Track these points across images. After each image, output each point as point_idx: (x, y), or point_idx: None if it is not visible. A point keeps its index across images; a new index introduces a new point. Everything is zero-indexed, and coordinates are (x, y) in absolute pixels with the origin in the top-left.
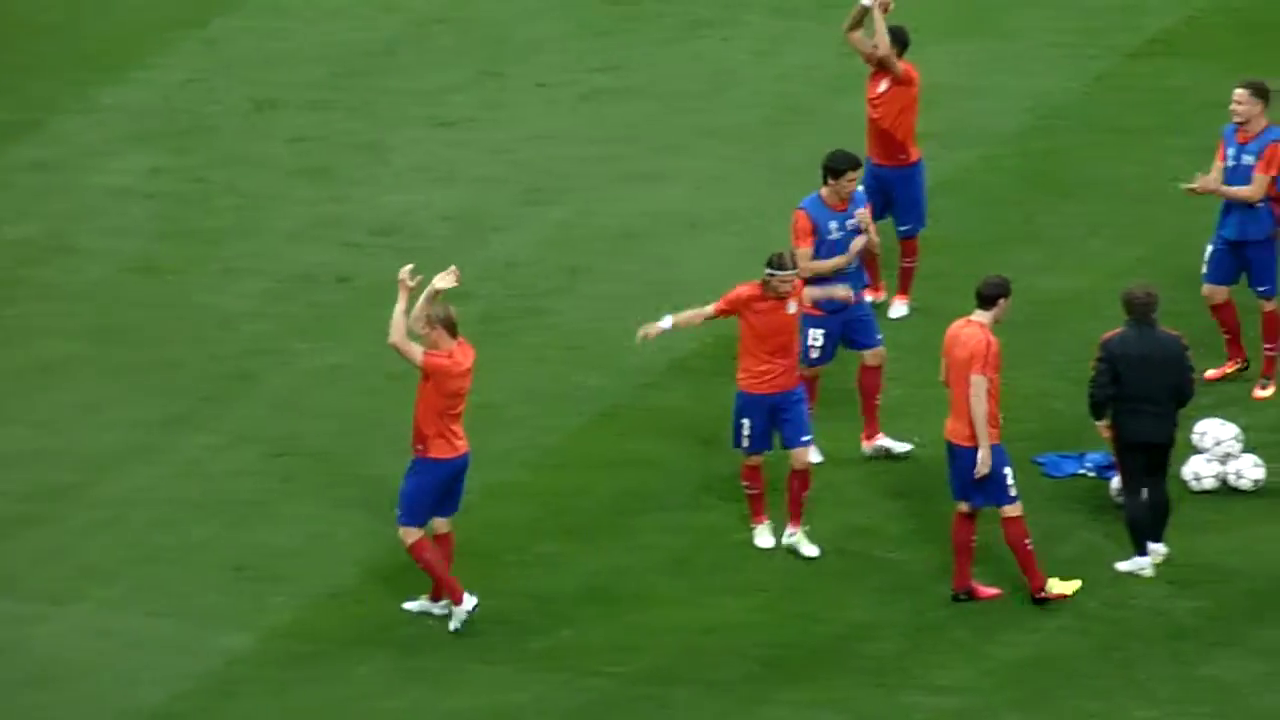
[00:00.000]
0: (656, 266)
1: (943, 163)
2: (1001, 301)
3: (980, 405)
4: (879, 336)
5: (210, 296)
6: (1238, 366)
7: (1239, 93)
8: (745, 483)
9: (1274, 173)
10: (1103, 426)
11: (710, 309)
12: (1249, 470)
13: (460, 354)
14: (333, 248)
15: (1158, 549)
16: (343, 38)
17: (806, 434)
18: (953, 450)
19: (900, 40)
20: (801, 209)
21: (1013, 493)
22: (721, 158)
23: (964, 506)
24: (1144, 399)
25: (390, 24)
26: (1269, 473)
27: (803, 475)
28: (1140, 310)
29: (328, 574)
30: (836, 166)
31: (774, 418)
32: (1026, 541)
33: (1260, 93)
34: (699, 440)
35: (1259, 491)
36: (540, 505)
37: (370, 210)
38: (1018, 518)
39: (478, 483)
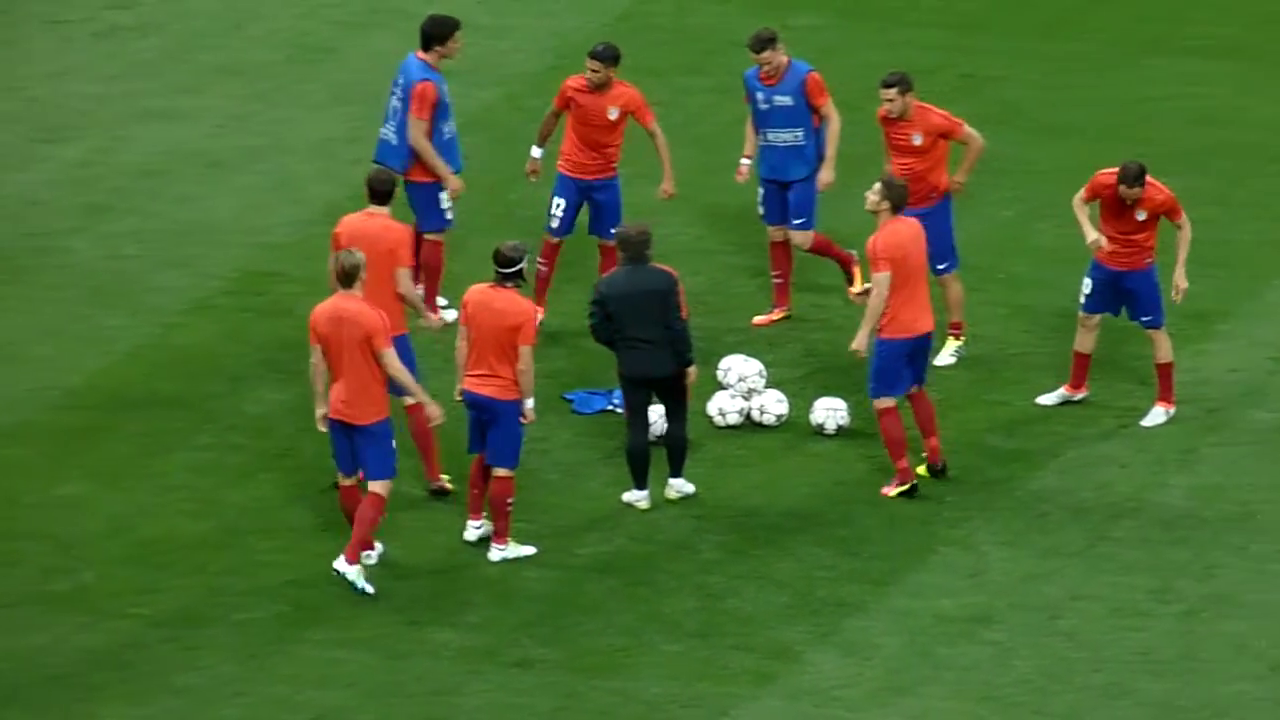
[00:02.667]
0: (178, 206)
1: (467, 101)
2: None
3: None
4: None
5: None
6: (785, 314)
7: (765, 54)
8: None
9: (825, 101)
10: None
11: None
12: (773, 406)
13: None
14: None
15: (678, 485)
16: None
17: None
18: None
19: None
20: (430, 81)
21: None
22: (242, 96)
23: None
24: (638, 336)
25: None
26: (791, 408)
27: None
28: (633, 248)
29: None
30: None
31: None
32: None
33: (775, 43)
34: (226, 379)
35: (782, 426)
36: (62, 446)
37: None
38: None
39: None
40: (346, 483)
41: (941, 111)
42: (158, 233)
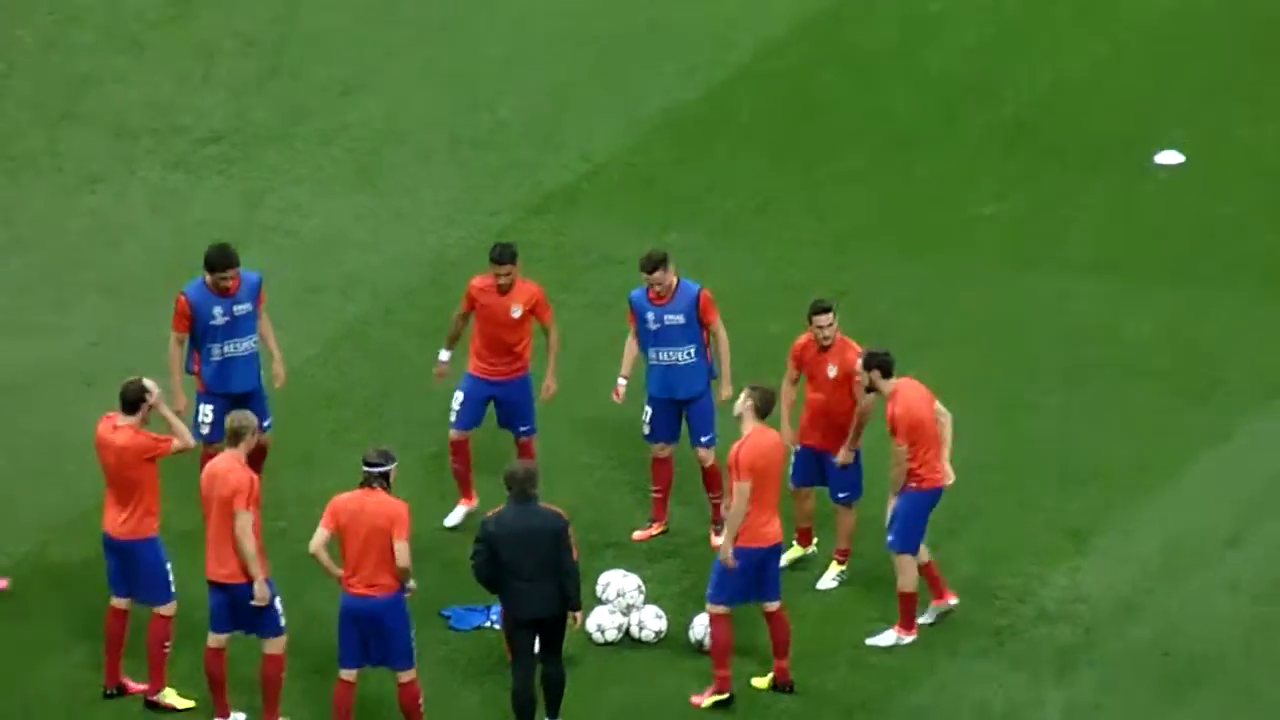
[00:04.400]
0: (50, 421)
1: (343, 314)
2: None
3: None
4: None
5: None
6: (663, 528)
7: (657, 275)
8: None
9: (715, 319)
10: None
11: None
12: (651, 621)
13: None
14: None
15: None
16: None
17: None
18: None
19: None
20: (184, 294)
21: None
22: (116, 313)
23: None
24: (525, 576)
25: None
26: (670, 623)
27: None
28: (519, 485)
29: None
30: (212, 262)
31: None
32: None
33: (668, 262)
34: (102, 594)
35: (660, 642)
36: None
37: None
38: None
39: None
40: (216, 643)
41: (860, 350)
42: (29, 449)
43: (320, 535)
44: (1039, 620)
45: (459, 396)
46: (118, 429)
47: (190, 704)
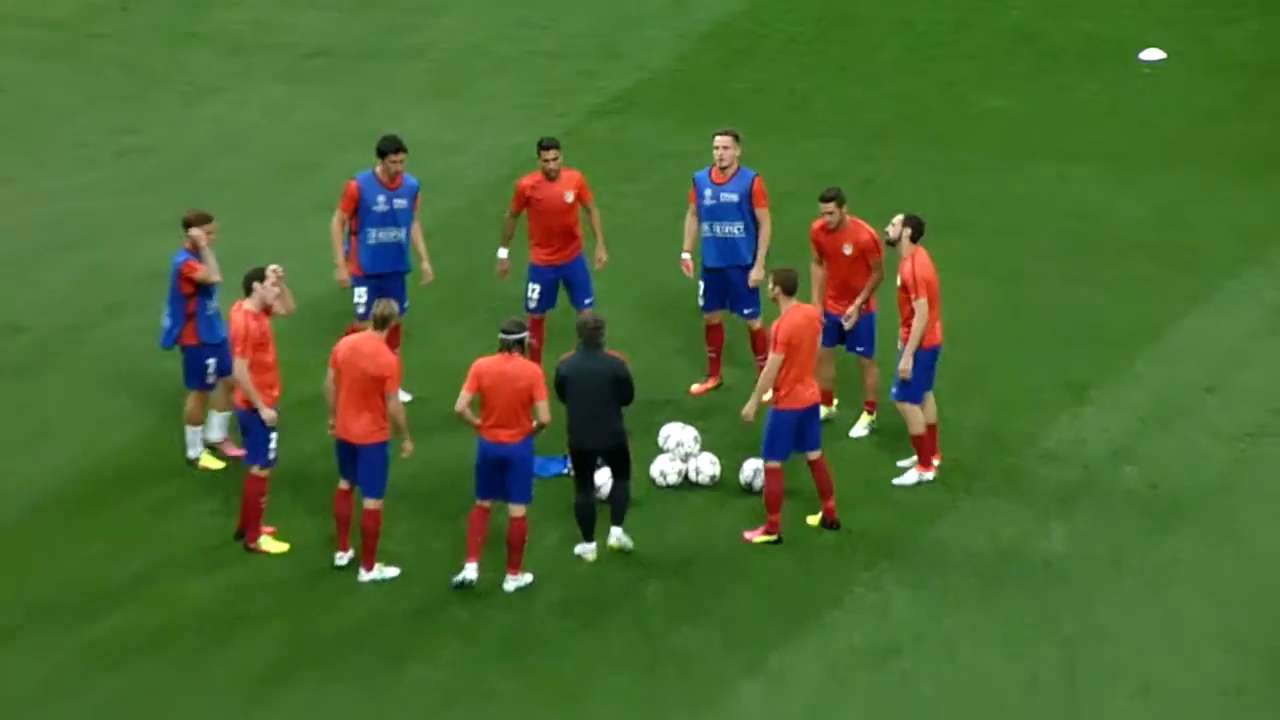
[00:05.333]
0: None
1: (434, 207)
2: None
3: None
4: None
5: None
6: (717, 383)
7: (723, 139)
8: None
9: (764, 206)
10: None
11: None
12: (706, 467)
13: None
14: None
15: (618, 533)
16: None
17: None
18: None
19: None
20: (354, 180)
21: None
22: (238, 207)
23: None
24: (587, 413)
25: None
26: (723, 469)
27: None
28: (588, 334)
29: None
30: (382, 148)
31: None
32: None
33: (739, 139)
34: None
35: (715, 486)
36: (90, 512)
37: None
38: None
39: None
40: (344, 486)
41: (872, 231)
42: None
43: (465, 396)
44: (1043, 461)
45: (534, 287)
46: (235, 311)
47: (283, 548)
